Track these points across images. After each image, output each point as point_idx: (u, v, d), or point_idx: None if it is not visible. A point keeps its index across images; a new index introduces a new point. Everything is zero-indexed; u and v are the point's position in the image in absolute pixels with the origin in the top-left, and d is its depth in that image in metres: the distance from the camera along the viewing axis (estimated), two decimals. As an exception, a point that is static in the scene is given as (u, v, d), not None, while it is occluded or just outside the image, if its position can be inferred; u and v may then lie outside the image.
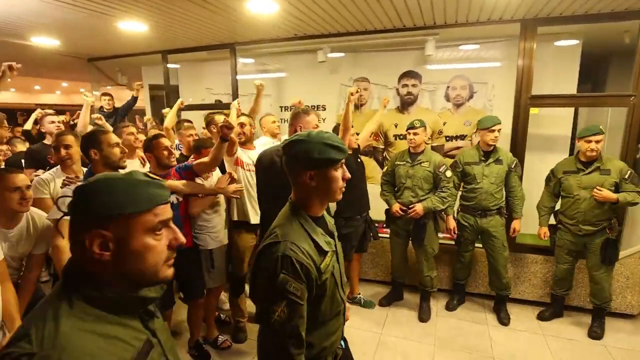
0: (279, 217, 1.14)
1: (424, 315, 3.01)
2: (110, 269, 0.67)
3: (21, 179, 1.75)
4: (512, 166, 2.86)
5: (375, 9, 2.81)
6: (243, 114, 3.02)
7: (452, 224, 3.03)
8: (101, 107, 4.69)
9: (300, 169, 1.08)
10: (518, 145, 3.12)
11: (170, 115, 3.41)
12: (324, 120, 4.24)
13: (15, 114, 6.44)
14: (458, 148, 3.92)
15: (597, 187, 2.61)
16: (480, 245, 3.07)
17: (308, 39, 3.67)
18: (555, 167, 2.88)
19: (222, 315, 2.99)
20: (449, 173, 2.88)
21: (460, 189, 3.09)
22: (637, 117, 2.86)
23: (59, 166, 2.29)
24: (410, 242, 3.08)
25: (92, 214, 0.66)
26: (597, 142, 2.60)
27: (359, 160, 3.05)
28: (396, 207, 2.94)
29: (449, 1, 2.63)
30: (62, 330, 0.60)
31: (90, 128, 3.13)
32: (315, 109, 4.29)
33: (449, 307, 3.15)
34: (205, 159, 2.25)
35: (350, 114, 2.46)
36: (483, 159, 2.89)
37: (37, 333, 0.59)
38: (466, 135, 3.88)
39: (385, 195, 3.07)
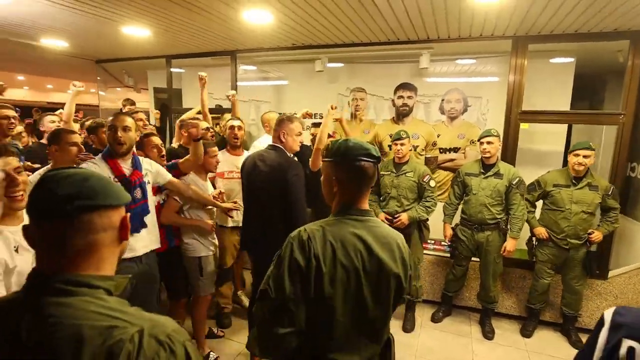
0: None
1: (407, 325, 3.02)
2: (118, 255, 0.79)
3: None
4: (514, 183, 2.81)
5: (369, 23, 2.89)
6: (237, 118, 3.10)
7: (449, 231, 3.06)
8: (120, 109, 4.77)
9: None
10: (508, 159, 3.14)
11: (189, 114, 3.62)
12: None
13: (30, 111, 6.71)
14: (452, 160, 3.96)
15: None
16: (477, 259, 3.06)
17: (306, 48, 3.76)
18: (543, 178, 2.90)
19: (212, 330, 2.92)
20: (432, 183, 2.91)
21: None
22: (626, 135, 2.88)
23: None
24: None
25: (121, 203, 0.75)
26: (585, 157, 2.63)
27: None
28: (381, 216, 2.97)
29: (439, 18, 2.70)
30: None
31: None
32: (313, 117, 4.37)
33: (435, 319, 3.16)
34: (189, 157, 2.33)
35: (326, 131, 2.47)
36: (482, 171, 2.91)
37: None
38: (459, 148, 3.91)
39: (370, 204, 3.10)
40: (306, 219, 1.94)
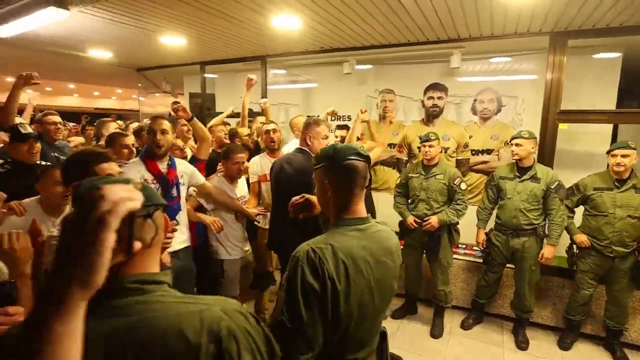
0: None
1: (436, 332, 2.95)
2: None
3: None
4: (552, 187, 2.66)
5: (397, 24, 2.87)
6: (271, 122, 3.11)
7: (482, 236, 2.96)
8: (169, 113, 4.99)
9: None
10: (545, 161, 2.99)
11: (218, 118, 3.74)
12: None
13: (79, 117, 7.28)
14: (484, 162, 3.83)
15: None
16: (512, 266, 2.94)
17: (334, 51, 3.79)
18: (583, 182, 2.73)
19: None
20: (463, 185, 2.83)
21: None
22: (680, 136, 2.66)
23: None
24: (424, 255, 3.05)
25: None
26: (624, 156, 2.46)
27: None
28: (410, 219, 2.93)
29: (469, 16, 2.63)
30: None
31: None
32: (341, 119, 4.39)
33: (464, 326, 3.06)
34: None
35: (355, 134, 2.49)
36: (517, 174, 2.79)
37: None
38: (493, 150, 3.77)
39: (399, 207, 3.06)
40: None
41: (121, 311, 0.65)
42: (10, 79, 8.79)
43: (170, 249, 2.07)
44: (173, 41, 3.60)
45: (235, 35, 3.34)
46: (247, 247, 2.72)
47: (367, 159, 1.15)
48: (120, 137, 2.59)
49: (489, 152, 3.80)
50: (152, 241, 0.73)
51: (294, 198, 1.38)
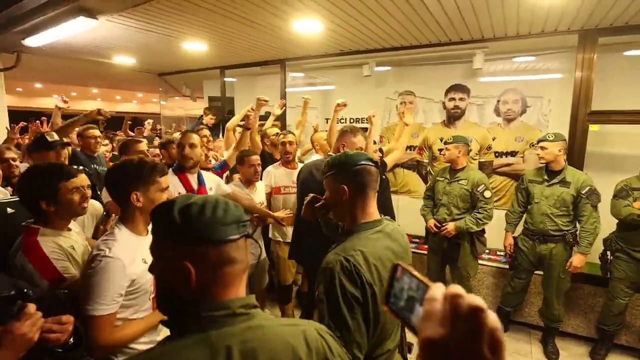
0: None
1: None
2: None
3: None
4: (583, 192, 2.52)
5: (419, 25, 2.82)
6: (289, 132, 2.98)
7: (509, 240, 2.88)
8: (200, 117, 5.04)
9: None
10: (575, 164, 2.87)
11: (234, 119, 3.67)
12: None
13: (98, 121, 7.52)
14: (509, 165, 3.72)
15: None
16: (541, 273, 2.83)
17: (354, 54, 3.77)
18: (629, 182, 2.58)
19: None
20: (488, 193, 2.74)
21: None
22: None
23: None
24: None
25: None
26: None
27: (382, 177, 3.01)
28: (431, 223, 2.88)
29: (495, 16, 2.56)
30: None
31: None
32: (360, 122, 4.36)
33: (489, 333, 2.97)
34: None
35: (372, 139, 2.39)
36: (546, 178, 2.69)
37: None
38: (517, 152, 3.66)
39: (424, 210, 3.02)
40: None
41: (236, 339, 0.62)
42: (39, 86, 9.15)
43: None
44: (194, 47, 3.65)
45: (256, 39, 3.37)
46: (262, 254, 2.70)
47: (376, 164, 1.19)
48: (134, 144, 2.62)
49: (513, 154, 3.70)
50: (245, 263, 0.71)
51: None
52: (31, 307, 0.95)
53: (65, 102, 3.11)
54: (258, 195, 2.68)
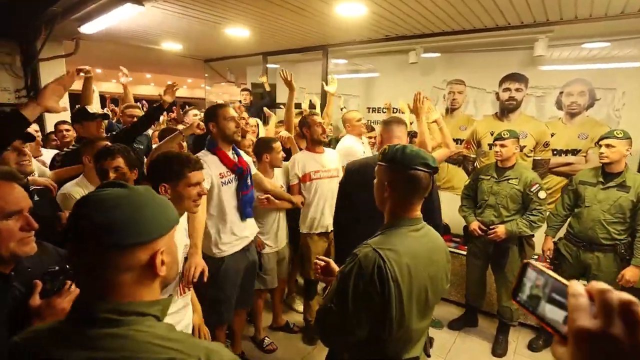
0: None
1: (499, 350, 2.68)
2: (159, 283, 0.68)
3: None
4: None
5: (474, 7, 2.58)
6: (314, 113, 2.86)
7: (549, 244, 2.62)
8: (240, 100, 5.19)
9: None
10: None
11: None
12: (411, 123, 4.08)
13: (153, 103, 7.98)
14: (568, 164, 3.36)
15: None
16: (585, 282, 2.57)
17: (399, 39, 3.57)
18: None
19: (290, 323, 2.92)
20: (542, 194, 2.47)
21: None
22: None
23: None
24: (490, 265, 2.77)
25: (153, 238, 0.64)
26: None
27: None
28: (474, 225, 2.67)
29: (565, -6, 2.26)
30: None
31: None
32: (398, 112, 4.15)
33: (533, 347, 2.75)
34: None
35: (426, 134, 2.23)
36: (601, 180, 2.40)
37: None
38: (580, 150, 3.29)
39: (464, 211, 2.80)
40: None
41: (97, 343, 0.58)
42: (99, 71, 9.80)
43: (242, 244, 2.08)
44: (237, 32, 3.65)
45: (299, 25, 3.28)
46: (284, 240, 2.65)
47: (434, 170, 1.13)
48: (170, 132, 2.53)
49: (574, 152, 3.33)
50: (120, 279, 0.63)
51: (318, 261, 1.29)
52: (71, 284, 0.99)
53: (126, 75, 3.38)
54: (276, 180, 2.62)
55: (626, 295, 0.35)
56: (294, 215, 2.69)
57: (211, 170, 1.93)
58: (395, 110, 4.02)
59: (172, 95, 2.40)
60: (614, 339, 0.34)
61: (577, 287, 0.39)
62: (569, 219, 2.60)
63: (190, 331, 1.58)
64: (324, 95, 4.20)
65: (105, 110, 4.35)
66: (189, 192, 1.40)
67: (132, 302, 0.62)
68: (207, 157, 1.94)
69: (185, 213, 1.53)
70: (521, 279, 0.45)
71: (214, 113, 1.99)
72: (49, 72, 3.86)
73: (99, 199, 0.62)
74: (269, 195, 2.42)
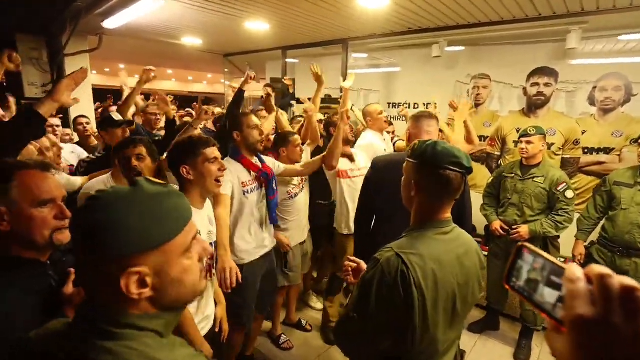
0: None
1: (521, 355, 2.58)
2: (149, 304, 0.58)
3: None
4: None
5: (502, -4, 2.46)
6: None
7: (580, 249, 2.49)
8: (261, 97, 5.14)
9: None
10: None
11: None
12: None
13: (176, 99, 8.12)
14: (600, 163, 3.19)
15: None
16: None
17: (422, 32, 3.46)
18: None
19: (302, 321, 2.89)
20: (569, 193, 2.34)
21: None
22: None
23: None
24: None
25: (125, 252, 0.54)
26: None
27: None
28: (496, 224, 2.56)
29: (603, -18, 2.12)
30: None
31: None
32: (425, 107, 4.04)
33: (558, 353, 2.63)
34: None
35: (458, 130, 2.13)
36: (639, 181, 2.27)
37: None
38: (613, 149, 3.11)
39: (486, 210, 2.69)
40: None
41: (87, 356, 0.53)
42: (122, 66, 10.02)
43: (263, 251, 2.05)
44: (256, 26, 3.63)
45: (319, 17, 3.23)
46: (306, 234, 2.59)
47: (467, 171, 1.02)
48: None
49: (607, 151, 3.15)
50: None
51: (348, 263, 1.22)
52: None
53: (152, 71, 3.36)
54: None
55: (628, 280, 0.32)
56: (330, 213, 2.66)
57: (233, 177, 1.90)
58: (426, 106, 3.91)
59: (166, 103, 2.48)
60: (614, 327, 0.31)
61: (574, 271, 0.36)
62: (601, 223, 2.46)
63: (211, 322, 1.57)
64: (340, 92, 4.14)
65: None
66: (209, 168, 1.43)
67: (130, 314, 0.56)
68: (230, 164, 1.90)
69: (208, 202, 1.56)
70: (515, 263, 0.44)
71: (238, 122, 1.99)
72: (74, 66, 3.93)
73: (95, 198, 0.57)
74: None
